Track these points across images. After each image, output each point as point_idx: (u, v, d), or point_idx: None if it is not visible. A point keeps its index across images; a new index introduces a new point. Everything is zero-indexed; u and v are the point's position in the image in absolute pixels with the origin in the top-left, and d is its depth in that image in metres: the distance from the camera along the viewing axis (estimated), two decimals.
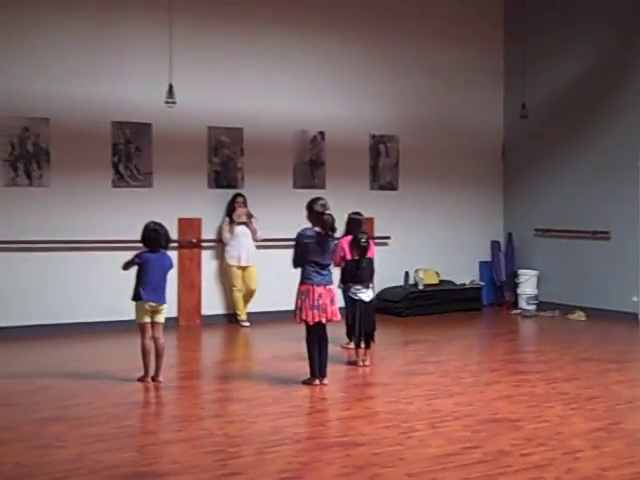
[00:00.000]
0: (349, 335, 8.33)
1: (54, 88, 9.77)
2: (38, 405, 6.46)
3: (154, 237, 7.17)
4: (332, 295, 7.12)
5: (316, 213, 7.04)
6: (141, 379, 7.22)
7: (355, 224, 8.84)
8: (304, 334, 7.22)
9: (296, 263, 7.13)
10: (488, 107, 13.03)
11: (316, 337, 7.12)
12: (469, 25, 12.68)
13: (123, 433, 5.84)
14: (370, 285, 8.15)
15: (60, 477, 4.75)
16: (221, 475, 4.82)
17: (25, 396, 6.78)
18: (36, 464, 5.01)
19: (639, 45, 11.28)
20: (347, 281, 8.14)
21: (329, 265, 7.13)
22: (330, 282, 7.12)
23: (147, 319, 7.18)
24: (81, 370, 7.57)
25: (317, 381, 7.12)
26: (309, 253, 6.99)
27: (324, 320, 7.06)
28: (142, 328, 7.21)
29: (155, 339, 7.26)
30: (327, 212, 7.02)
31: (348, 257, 8.55)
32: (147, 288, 7.11)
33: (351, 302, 8.10)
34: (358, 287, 8.04)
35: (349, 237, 8.78)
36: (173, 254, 10.38)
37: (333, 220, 7.01)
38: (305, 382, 7.15)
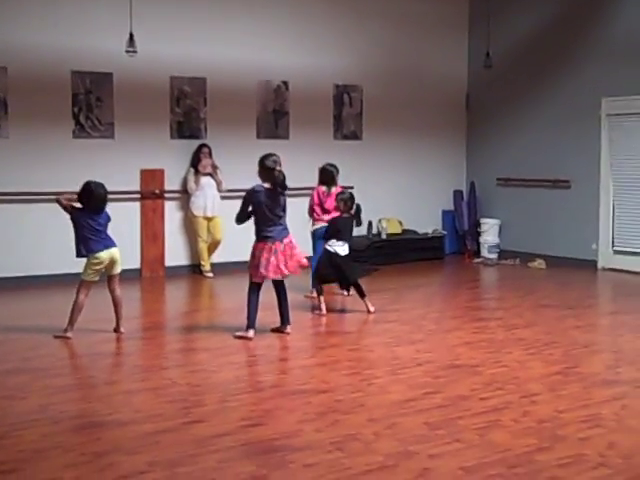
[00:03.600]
0: (320, 284, 8.38)
1: (12, 36, 9.56)
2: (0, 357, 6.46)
3: (87, 197, 6.96)
4: (291, 248, 7.08)
5: (267, 169, 7.01)
6: (61, 335, 6.97)
7: (327, 175, 8.96)
8: (270, 285, 7.24)
9: (239, 219, 7.12)
10: (452, 57, 13.01)
11: (256, 288, 7.07)
12: None
13: (86, 384, 5.88)
14: (346, 240, 8.27)
15: (23, 428, 4.77)
16: (184, 423, 4.88)
17: None
18: None
19: None
20: (331, 237, 8.22)
21: (282, 218, 7.08)
22: (285, 235, 7.08)
23: (95, 278, 7.02)
24: (44, 322, 7.54)
25: (251, 332, 7.04)
26: (261, 209, 6.97)
27: (280, 277, 7.07)
28: (83, 284, 7.02)
29: (112, 291, 7.19)
30: (278, 168, 6.99)
31: (316, 207, 8.81)
32: (88, 241, 6.93)
33: (326, 254, 8.19)
34: (334, 241, 8.16)
35: (321, 187, 8.90)
36: (135, 206, 10.41)
37: (284, 176, 6.98)
38: (237, 336, 7.07)
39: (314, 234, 8.94)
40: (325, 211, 8.79)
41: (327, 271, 8.21)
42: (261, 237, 7.02)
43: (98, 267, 7.02)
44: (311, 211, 8.97)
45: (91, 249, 6.97)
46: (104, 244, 7.00)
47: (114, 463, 4.26)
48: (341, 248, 8.18)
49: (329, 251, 8.18)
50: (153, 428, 4.77)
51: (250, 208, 7.07)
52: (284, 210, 7.10)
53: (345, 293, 8.96)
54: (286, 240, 7.07)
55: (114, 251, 7.08)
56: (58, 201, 7.10)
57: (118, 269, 7.16)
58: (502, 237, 12.50)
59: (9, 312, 8.39)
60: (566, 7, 11.76)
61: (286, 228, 7.13)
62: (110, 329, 7.22)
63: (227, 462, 4.28)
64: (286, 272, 7.06)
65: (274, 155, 7.10)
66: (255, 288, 7.08)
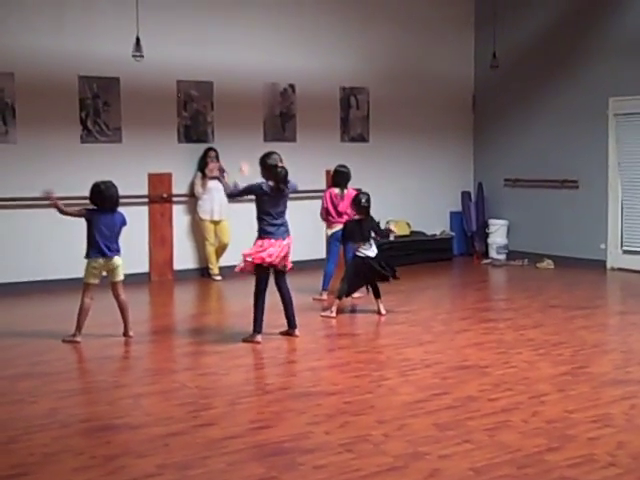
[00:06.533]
0: (353, 289, 8.33)
1: (18, 42, 9.58)
2: (9, 362, 6.48)
3: (99, 198, 7.02)
4: (287, 249, 7.05)
5: (269, 167, 7.01)
6: (69, 339, 7.01)
7: (340, 177, 8.96)
8: (274, 287, 7.23)
9: (233, 195, 7.36)
10: (459, 58, 13.01)
11: (263, 287, 7.03)
12: None
13: (95, 387, 5.89)
14: (371, 240, 8.22)
15: (33, 431, 4.79)
16: (193, 426, 4.88)
17: None
18: (8, 419, 5.05)
19: None
20: (348, 240, 8.21)
21: (284, 217, 7.08)
22: (286, 234, 7.06)
23: (95, 280, 7.06)
24: (52, 327, 7.56)
25: (259, 337, 7.02)
26: (264, 205, 6.98)
27: (267, 261, 6.92)
28: (87, 287, 7.07)
29: (116, 297, 7.21)
30: (280, 165, 7.00)
31: (330, 209, 8.84)
32: (96, 246, 6.97)
33: (357, 259, 8.15)
34: (361, 244, 8.12)
35: (334, 189, 8.90)
36: (144, 210, 10.43)
37: (286, 173, 6.98)
38: (245, 340, 7.05)
39: (330, 237, 8.91)
40: (339, 214, 8.79)
41: (361, 278, 8.18)
42: (265, 233, 6.99)
43: (96, 271, 7.06)
44: (325, 214, 8.95)
45: (94, 253, 7.00)
46: (108, 251, 7.02)
47: (124, 466, 4.27)
48: (370, 250, 8.14)
49: (360, 257, 8.13)
50: (163, 431, 4.78)
51: (252, 197, 7.10)
52: (285, 205, 7.10)
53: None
54: (287, 240, 7.06)
55: (116, 259, 7.11)
56: (61, 212, 7.12)
57: (120, 276, 7.18)
58: (510, 238, 12.48)
59: (17, 317, 8.41)
60: (572, 7, 11.75)
61: (287, 228, 7.11)
62: (119, 333, 7.22)
63: (237, 464, 4.29)
64: (280, 264, 7.03)
65: (275, 153, 7.11)
66: (261, 291, 7.04)
